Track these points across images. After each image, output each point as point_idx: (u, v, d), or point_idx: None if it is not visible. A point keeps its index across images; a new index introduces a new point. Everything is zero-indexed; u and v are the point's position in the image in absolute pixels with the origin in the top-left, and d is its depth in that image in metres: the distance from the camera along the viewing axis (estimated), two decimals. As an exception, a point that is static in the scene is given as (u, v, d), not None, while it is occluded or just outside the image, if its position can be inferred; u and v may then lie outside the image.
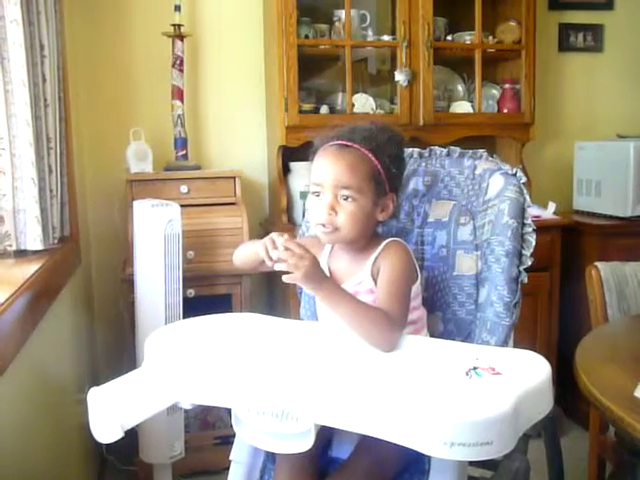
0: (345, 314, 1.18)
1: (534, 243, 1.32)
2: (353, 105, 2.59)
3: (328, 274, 1.32)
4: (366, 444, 1.20)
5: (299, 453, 1.01)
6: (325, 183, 1.25)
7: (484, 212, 1.39)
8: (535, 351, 1.13)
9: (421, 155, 1.53)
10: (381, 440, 0.96)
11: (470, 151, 1.48)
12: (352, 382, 1.02)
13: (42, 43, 1.70)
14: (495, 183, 1.39)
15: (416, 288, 1.31)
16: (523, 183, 1.36)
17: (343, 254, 1.34)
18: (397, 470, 1.23)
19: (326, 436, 1.29)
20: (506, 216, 1.33)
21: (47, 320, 1.52)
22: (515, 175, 1.38)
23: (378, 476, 1.20)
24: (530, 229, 1.33)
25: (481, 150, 1.47)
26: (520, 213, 1.33)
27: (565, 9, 3.12)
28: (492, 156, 1.47)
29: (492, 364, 1.05)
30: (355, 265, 1.31)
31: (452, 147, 1.51)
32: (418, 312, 1.34)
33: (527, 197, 1.35)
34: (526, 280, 1.32)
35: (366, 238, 1.31)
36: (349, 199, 1.24)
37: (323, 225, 1.26)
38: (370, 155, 1.26)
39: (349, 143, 1.26)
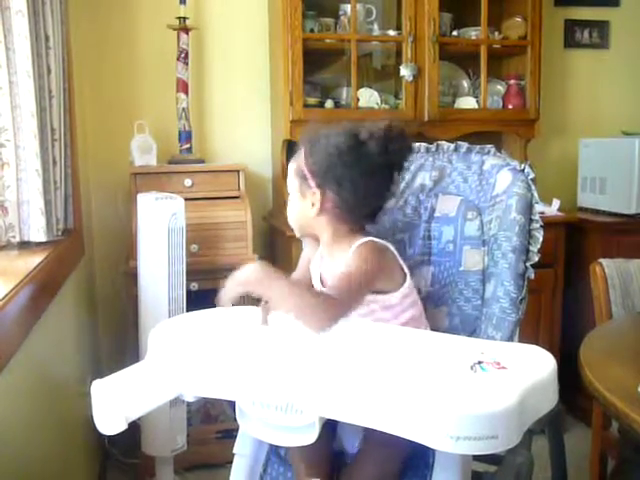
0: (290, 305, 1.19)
1: (541, 239, 1.32)
2: (358, 99, 2.58)
3: (319, 280, 1.36)
4: (374, 438, 1.20)
5: (312, 448, 1.02)
6: None
7: (491, 208, 1.39)
8: (538, 347, 1.13)
9: (428, 150, 1.52)
10: (388, 434, 0.95)
11: (478, 146, 1.47)
12: (357, 375, 1.02)
13: (47, 34, 1.69)
14: (503, 179, 1.38)
15: (404, 289, 1.30)
16: (531, 179, 1.35)
17: (327, 257, 1.36)
18: (405, 463, 1.23)
19: (332, 428, 1.29)
20: (514, 212, 1.32)
21: (50, 312, 1.51)
22: (523, 171, 1.37)
23: (389, 470, 1.21)
24: (537, 225, 1.33)
25: (489, 145, 1.46)
26: (528, 209, 1.33)
27: (571, 5, 3.11)
28: (500, 152, 1.46)
29: (497, 359, 1.05)
30: (336, 268, 1.30)
31: (459, 142, 1.50)
32: (412, 311, 1.32)
33: (535, 193, 1.34)
34: (533, 276, 1.32)
35: (333, 236, 1.32)
36: (289, 196, 1.34)
37: None
38: (302, 152, 1.30)
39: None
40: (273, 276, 1.19)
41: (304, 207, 1.31)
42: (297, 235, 1.41)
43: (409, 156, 1.34)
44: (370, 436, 1.23)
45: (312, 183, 1.28)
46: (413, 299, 1.33)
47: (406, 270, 1.32)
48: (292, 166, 1.33)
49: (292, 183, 1.33)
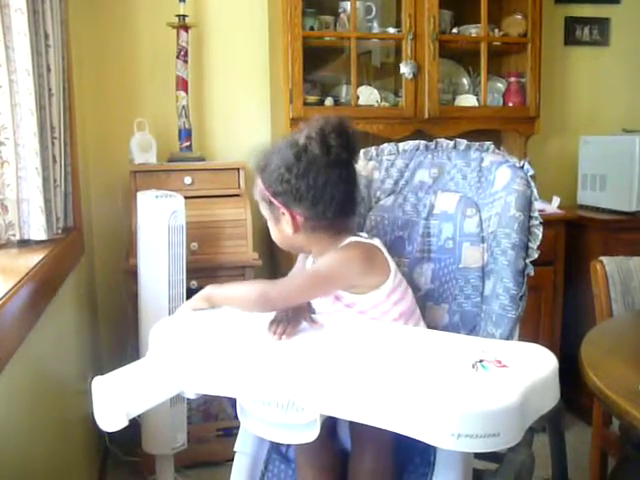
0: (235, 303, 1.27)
1: (541, 236, 1.32)
2: (358, 97, 2.58)
3: None
4: (361, 435, 1.21)
5: (317, 452, 1.02)
6: None
7: (491, 204, 1.38)
8: (538, 345, 1.13)
9: (427, 147, 1.52)
10: (376, 430, 0.96)
11: (477, 143, 1.46)
12: (357, 373, 1.02)
13: (47, 32, 1.69)
14: (502, 175, 1.38)
15: (387, 286, 1.28)
16: (531, 176, 1.35)
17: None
18: (400, 459, 1.23)
19: (332, 428, 1.30)
20: (513, 208, 1.32)
21: (50, 311, 1.51)
22: (522, 168, 1.37)
23: (382, 465, 1.21)
24: (537, 222, 1.32)
25: (488, 142, 1.46)
26: (527, 206, 1.32)
27: (571, 2, 3.11)
28: (499, 149, 1.46)
29: (498, 357, 1.05)
30: None
31: (459, 139, 1.49)
32: (401, 307, 1.30)
33: (534, 190, 1.34)
34: (532, 273, 1.31)
35: (318, 247, 1.31)
36: (268, 223, 1.34)
37: None
38: (259, 180, 1.31)
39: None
40: (216, 287, 1.29)
41: (282, 230, 1.30)
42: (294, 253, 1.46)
43: (355, 144, 1.29)
44: (357, 434, 1.24)
45: (278, 205, 1.27)
46: (400, 295, 1.30)
47: (392, 266, 1.30)
48: (257, 196, 1.33)
49: (264, 211, 1.33)
